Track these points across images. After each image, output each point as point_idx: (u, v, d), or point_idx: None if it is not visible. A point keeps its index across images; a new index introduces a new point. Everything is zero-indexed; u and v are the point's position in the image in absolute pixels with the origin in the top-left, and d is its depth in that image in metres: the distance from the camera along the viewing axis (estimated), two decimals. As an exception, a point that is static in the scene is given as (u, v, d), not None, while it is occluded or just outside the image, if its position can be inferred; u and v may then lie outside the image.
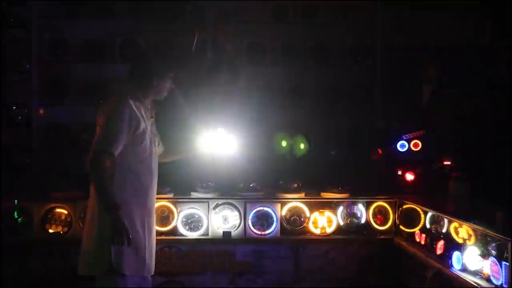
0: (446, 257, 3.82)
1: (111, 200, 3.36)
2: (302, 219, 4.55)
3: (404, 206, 4.52)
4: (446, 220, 3.99)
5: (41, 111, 5.18)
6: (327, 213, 4.58)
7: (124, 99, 3.51)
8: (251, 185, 4.64)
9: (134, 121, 3.50)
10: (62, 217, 4.47)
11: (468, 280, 3.55)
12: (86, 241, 3.55)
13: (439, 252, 3.92)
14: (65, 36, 5.48)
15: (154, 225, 3.76)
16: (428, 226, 4.25)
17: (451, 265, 3.76)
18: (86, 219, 3.64)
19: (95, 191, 3.48)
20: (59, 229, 4.46)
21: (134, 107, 3.52)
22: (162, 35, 5.57)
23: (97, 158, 3.37)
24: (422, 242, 4.19)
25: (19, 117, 5.24)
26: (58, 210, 4.48)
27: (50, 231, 4.45)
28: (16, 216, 4.28)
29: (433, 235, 4.09)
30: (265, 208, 4.50)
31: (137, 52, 5.13)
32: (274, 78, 5.80)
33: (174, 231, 4.47)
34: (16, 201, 4.29)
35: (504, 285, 3.32)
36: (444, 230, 4.02)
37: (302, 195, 4.62)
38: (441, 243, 3.92)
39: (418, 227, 4.34)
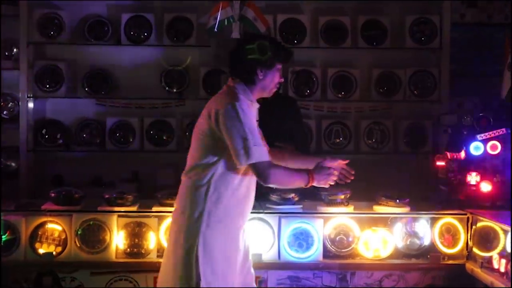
0: (532, 288, 3.62)
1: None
2: (350, 239, 4.39)
3: (479, 224, 4.30)
4: (532, 242, 3.82)
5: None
6: (382, 231, 4.40)
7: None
8: (288, 197, 4.50)
9: None
10: (55, 235, 4.39)
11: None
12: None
13: (523, 282, 3.72)
14: (60, 14, 5.56)
15: None
16: (509, 249, 3.96)
17: (539, 298, 3.59)
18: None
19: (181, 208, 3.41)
20: (51, 249, 4.36)
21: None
22: (177, 11, 5.65)
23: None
24: (502, 269, 3.96)
25: (4, 112, 5.41)
26: (50, 225, 4.39)
27: (41, 251, 4.35)
28: (-1, 233, 4.36)
29: (515, 261, 3.85)
30: (305, 225, 4.35)
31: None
32: (315, 62, 5.85)
33: (190, 253, 4.50)
34: (-1, 214, 4.31)
35: None
36: (529, 255, 3.83)
37: (351, 209, 4.43)
38: (525, 271, 3.75)
39: (497, 250, 4.10)
